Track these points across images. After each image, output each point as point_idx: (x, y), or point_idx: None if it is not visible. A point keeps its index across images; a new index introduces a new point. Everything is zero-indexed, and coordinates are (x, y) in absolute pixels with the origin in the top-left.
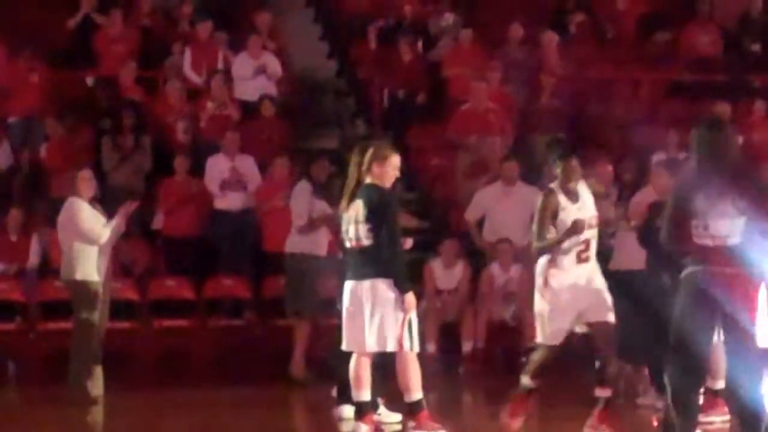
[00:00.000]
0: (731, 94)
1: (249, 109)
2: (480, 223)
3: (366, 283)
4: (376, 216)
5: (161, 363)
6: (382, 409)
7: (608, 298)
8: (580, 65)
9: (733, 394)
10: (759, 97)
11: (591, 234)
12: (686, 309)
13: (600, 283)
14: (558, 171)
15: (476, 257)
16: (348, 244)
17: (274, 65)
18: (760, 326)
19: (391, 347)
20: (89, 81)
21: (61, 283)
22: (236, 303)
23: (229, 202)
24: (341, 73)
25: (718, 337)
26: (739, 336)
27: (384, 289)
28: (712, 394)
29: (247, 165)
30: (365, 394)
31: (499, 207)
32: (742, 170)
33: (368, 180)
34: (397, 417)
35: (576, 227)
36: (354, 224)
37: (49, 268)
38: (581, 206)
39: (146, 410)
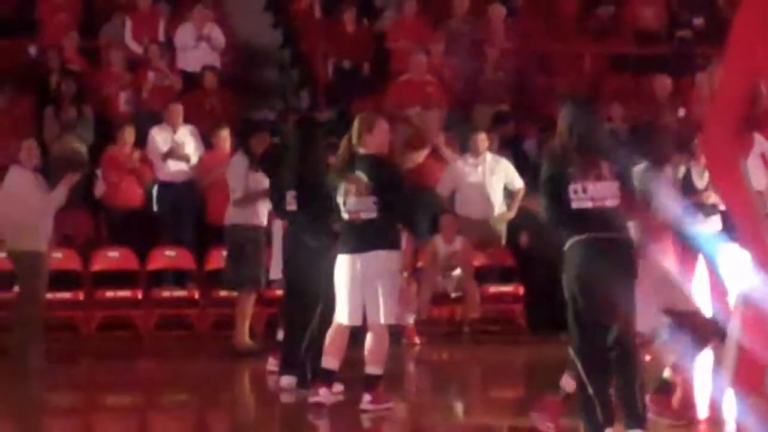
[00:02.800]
0: (674, 68)
1: (192, 80)
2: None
3: (369, 255)
4: (381, 188)
5: (104, 334)
6: None
7: None
8: (524, 38)
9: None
10: (701, 70)
11: None
12: (579, 283)
13: None
14: None
15: (418, 229)
16: (346, 217)
17: (218, 35)
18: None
19: (391, 320)
20: (32, 50)
21: (2, 254)
22: (180, 274)
23: (172, 173)
24: (285, 45)
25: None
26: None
27: (386, 261)
28: None
29: (190, 136)
30: (336, 363)
31: (469, 179)
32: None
33: (363, 151)
34: (339, 387)
35: None
36: (354, 197)
37: None
38: None
39: (89, 382)
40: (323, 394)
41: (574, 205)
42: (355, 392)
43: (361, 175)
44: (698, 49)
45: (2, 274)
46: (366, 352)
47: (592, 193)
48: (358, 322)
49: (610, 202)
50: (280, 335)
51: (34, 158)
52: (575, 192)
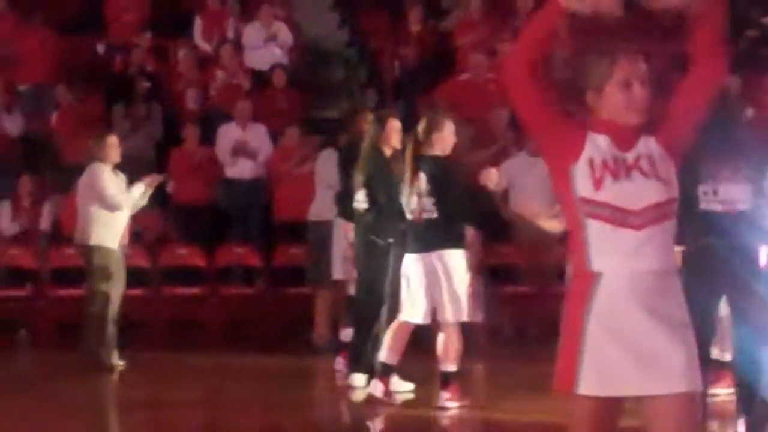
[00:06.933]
0: (742, 67)
1: (260, 78)
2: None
3: (433, 255)
4: (440, 188)
5: (172, 331)
6: (394, 378)
7: None
8: (586, 36)
9: (736, 364)
10: None
11: None
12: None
13: None
14: None
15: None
16: (409, 216)
17: (285, 34)
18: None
19: (463, 317)
20: (100, 49)
21: (72, 249)
22: (247, 271)
23: (240, 170)
24: (352, 43)
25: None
26: (749, 306)
27: (453, 259)
28: (719, 366)
29: (259, 134)
30: (395, 358)
31: (524, 178)
32: (748, 139)
33: (428, 151)
34: (409, 386)
35: None
36: (417, 197)
37: (60, 235)
38: None
39: (157, 378)
40: (373, 386)
41: (703, 206)
42: (422, 390)
43: (422, 176)
44: (766, 49)
45: (73, 270)
46: (439, 351)
47: (722, 196)
48: (429, 321)
49: (741, 207)
50: (343, 335)
51: (115, 155)
52: (705, 194)
